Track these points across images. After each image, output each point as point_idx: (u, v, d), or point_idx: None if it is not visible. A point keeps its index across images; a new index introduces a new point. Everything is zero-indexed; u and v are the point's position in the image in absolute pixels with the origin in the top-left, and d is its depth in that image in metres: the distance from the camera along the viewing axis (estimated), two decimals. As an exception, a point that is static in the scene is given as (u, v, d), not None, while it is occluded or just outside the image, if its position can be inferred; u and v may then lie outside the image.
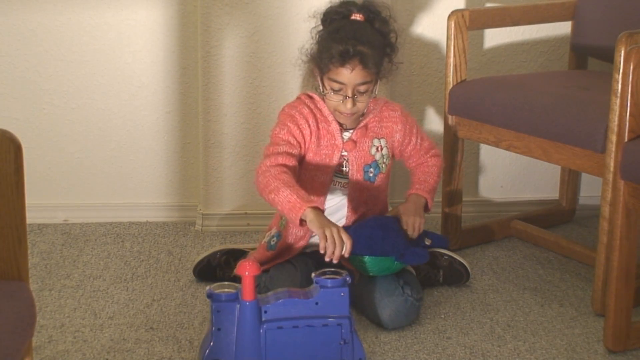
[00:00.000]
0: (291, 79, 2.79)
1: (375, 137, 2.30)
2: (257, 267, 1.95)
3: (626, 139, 2.06)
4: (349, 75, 2.17)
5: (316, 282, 2.01)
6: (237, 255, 2.47)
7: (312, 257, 2.28)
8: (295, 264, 2.27)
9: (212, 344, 1.96)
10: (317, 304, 1.99)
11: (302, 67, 2.29)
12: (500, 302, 2.39)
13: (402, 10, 2.86)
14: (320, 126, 2.27)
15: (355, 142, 2.28)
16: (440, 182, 2.70)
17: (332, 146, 2.27)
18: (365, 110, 2.28)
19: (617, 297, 2.08)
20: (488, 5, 2.93)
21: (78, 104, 2.89)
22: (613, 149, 2.11)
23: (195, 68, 2.85)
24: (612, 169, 2.13)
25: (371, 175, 2.30)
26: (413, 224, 2.24)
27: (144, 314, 2.31)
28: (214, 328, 1.96)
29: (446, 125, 2.65)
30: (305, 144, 2.26)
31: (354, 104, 2.20)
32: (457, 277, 2.46)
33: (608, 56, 2.23)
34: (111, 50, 2.86)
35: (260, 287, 2.23)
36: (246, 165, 2.85)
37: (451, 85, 2.61)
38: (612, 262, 2.09)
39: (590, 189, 2.99)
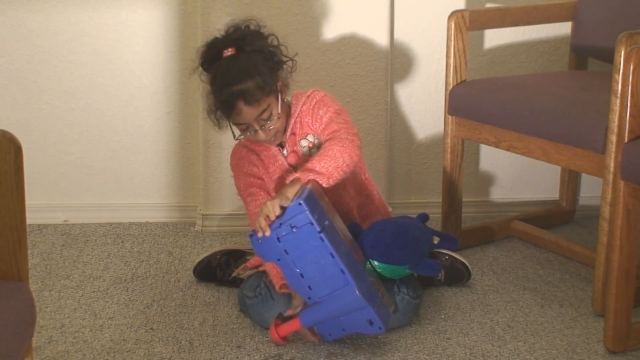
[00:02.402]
0: (291, 79, 2.78)
1: (301, 138, 2.29)
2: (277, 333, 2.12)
3: (626, 140, 2.06)
4: (243, 116, 2.17)
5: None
6: (237, 255, 2.47)
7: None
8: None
9: (351, 330, 2.09)
10: (286, 252, 2.05)
11: (210, 120, 2.27)
12: (500, 303, 2.39)
13: (402, 11, 2.86)
14: (263, 156, 2.31)
15: (294, 151, 2.29)
16: (441, 184, 2.71)
17: (278, 168, 2.29)
18: (287, 121, 2.27)
19: (617, 298, 2.08)
20: (488, 5, 2.93)
21: (78, 105, 2.89)
22: (613, 149, 2.11)
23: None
24: (612, 169, 2.13)
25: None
26: (258, 215, 2.09)
27: (144, 315, 2.31)
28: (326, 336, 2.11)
29: (446, 126, 2.65)
30: (259, 178, 2.31)
31: (265, 132, 2.21)
32: (459, 276, 2.46)
33: (608, 57, 2.23)
34: (111, 51, 2.86)
35: (261, 287, 2.23)
36: (246, 166, 2.85)
37: (451, 86, 2.61)
38: (612, 262, 2.09)
39: (590, 190, 2.99)
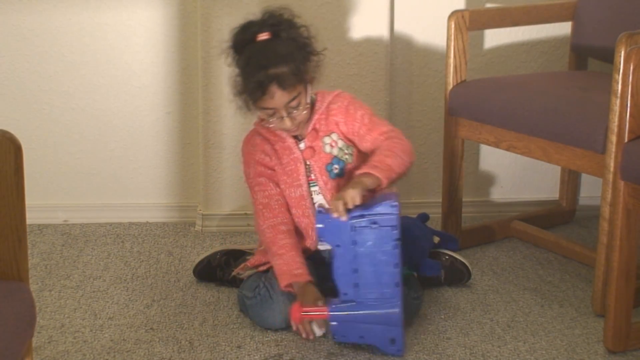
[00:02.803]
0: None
1: (325, 135, 2.28)
2: (299, 309, 2.08)
3: (626, 140, 2.06)
4: (274, 100, 2.16)
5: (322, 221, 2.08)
6: (237, 255, 2.47)
7: (310, 259, 2.28)
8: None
9: (370, 341, 2.09)
10: (331, 243, 2.07)
11: (235, 102, 2.26)
12: (500, 303, 2.39)
13: (402, 11, 2.86)
14: (277, 146, 2.29)
15: (312, 147, 2.27)
16: (441, 184, 2.71)
17: (293, 160, 2.28)
18: (309, 115, 2.26)
19: (617, 298, 2.08)
20: (488, 5, 2.93)
21: (78, 105, 2.89)
22: (613, 149, 2.11)
23: (196, 68, 2.85)
24: (612, 169, 2.13)
25: (336, 171, 2.28)
26: (337, 199, 2.08)
27: (144, 315, 2.31)
28: (357, 339, 2.09)
29: (446, 126, 2.65)
30: (273, 170, 2.29)
31: (291, 120, 2.20)
32: (459, 276, 2.46)
33: (608, 57, 2.23)
34: (111, 51, 2.86)
35: (260, 287, 2.23)
36: (246, 166, 2.85)
37: (451, 86, 2.61)
38: (612, 262, 2.09)
39: (590, 190, 2.99)
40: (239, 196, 2.88)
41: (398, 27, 2.88)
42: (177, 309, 2.34)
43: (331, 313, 2.07)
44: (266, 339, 2.18)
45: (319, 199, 2.29)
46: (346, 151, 2.29)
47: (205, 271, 2.48)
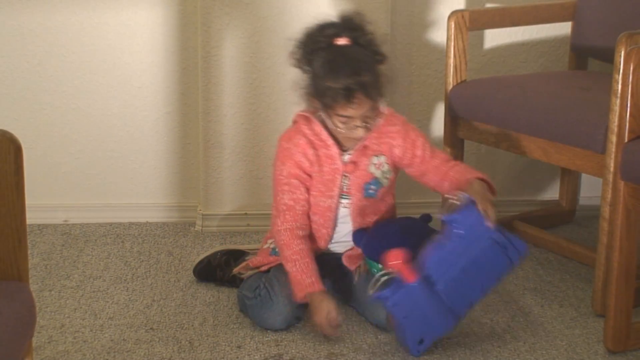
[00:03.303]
0: (291, 79, 2.79)
1: (374, 155, 2.25)
2: (404, 253, 2.05)
3: (626, 140, 2.06)
4: (357, 108, 2.12)
5: (447, 221, 2.09)
6: (237, 255, 2.47)
7: (320, 258, 2.28)
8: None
9: (408, 330, 2.07)
10: (462, 234, 2.08)
11: (299, 98, 2.24)
12: (500, 303, 2.38)
13: (402, 11, 2.86)
14: (320, 152, 2.23)
15: (355, 163, 2.24)
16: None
17: (333, 171, 2.23)
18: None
19: (617, 298, 2.08)
20: (488, 5, 2.93)
21: (78, 105, 2.89)
22: (613, 149, 2.11)
23: (195, 69, 2.85)
24: (612, 169, 2.13)
25: (371, 191, 2.27)
26: (492, 213, 2.13)
27: (144, 315, 2.31)
28: (401, 319, 2.06)
29: (446, 126, 2.65)
30: (308, 175, 2.24)
31: (365, 130, 2.17)
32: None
33: (608, 57, 2.23)
34: (111, 51, 2.86)
35: (260, 288, 2.23)
36: (246, 166, 2.85)
37: (451, 86, 2.61)
38: (612, 262, 2.09)
39: (590, 190, 2.99)
40: (239, 196, 2.88)
41: (398, 27, 2.88)
42: (177, 309, 2.34)
43: (413, 284, 2.05)
44: (266, 339, 2.18)
45: (344, 212, 2.27)
46: (387, 175, 2.28)
47: (205, 271, 2.48)
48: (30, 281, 1.67)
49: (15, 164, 1.52)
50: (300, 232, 2.23)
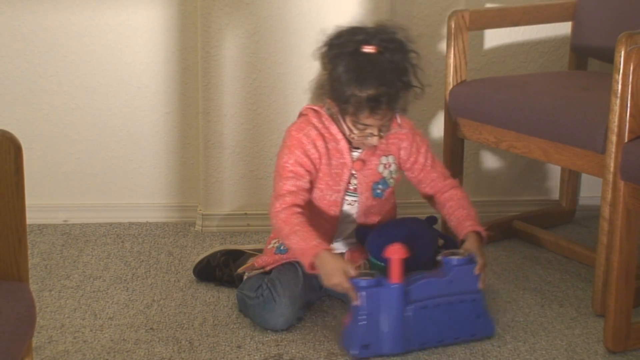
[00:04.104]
0: (291, 80, 2.79)
1: (383, 155, 2.27)
2: (405, 250, 2.04)
3: (626, 140, 2.06)
4: (376, 119, 2.12)
5: (445, 263, 2.10)
6: (237, 255, 2.47)
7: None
8: (297, 265, 2.26)
9: (362, 328, 2.05)
10: (451, 282, 2.09)
11: (314, 97, 2.24)
12: (500, 303, 2.38)
13: (402, 11, 2.86)
14: (330, 146, 2.23)
15: (364, 161, 2.25)
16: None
17: (341, 165, 2.24)
18: None
19: (617, 298, 2.08)
20: (488, 5, 2.93)
21: (78, 105, 2.89)
22: (613, 149, 2.11)
23: (196, 68, 2.85)
24: (612, 169, 2.13)
25: (379, 191, 2.28)
26: (484, 277, 2.16)
27: (144, 315, 2.31)
28: (361, 314, 2.04)
29: (446, 126, 2.65)
30: (315, 167, 2.23)
31: (381, 138, 2.17)
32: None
33: (608, 57, 2.23)
34: (111, 51, 2.86)
35: (263, 288, 2.23)
36: (246, 166, 2.85)
37: (451, 86, 2.61)
38: (612, 262, 2.09)
39: (591, 190, 2.99)
40: (239, 196, 2.88)
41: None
42: (177, 309, 2.34)
43: (393, 285, 2.05)
44: (266, 339, 2.18)
45: (347, 209, 2.28)
46: (394, 175, 2.30)
47: (205, 271, 2.48)
48: (30, 281, 1.67)
49: (15, 164, 1.52)
50: (299, 210, 2.18)
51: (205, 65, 2.78)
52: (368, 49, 2.12)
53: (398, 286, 2.05)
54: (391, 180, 2.30)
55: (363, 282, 2.05)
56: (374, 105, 2.09)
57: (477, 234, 2.22)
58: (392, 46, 2.14)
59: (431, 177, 2.32)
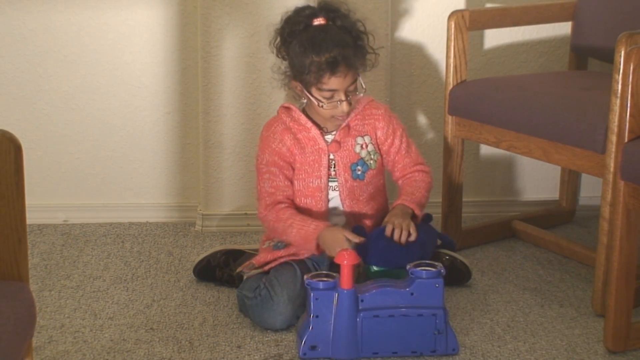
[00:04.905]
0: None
1: (359, 135, 2.32)
2: (356, 257, 2.04)
3: (626, 140, 2.06)
4: (339, 80, 2.20)
5: (411, 273, 2.08)
6: (237, 255, 2.47)
7: (313, 259, 2.28)
8: (294, 265, 2.26)
9: (310, 329, 2.05)
10: (412, 294, 2.07)
11: (279, 85, 2.33)
12: (500, 303, 2.38)
13: (402, 11, 2.86)
14: (300, 136, 2.30)
15: (339, 142, 2.30)
16: (441, 184, 2.71)
17: (317, 151, 2.30)
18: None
19: (617, 298, 2.08)
20: (488, 5, 2.93)
21: (78, 105, 2.89)
22: (613, 149, 2.11)
23: (195, 68, 2.85)
24: (612, 169, 2.13)
25: (359, 172, 2.32)
26: (400, 225, 2.20)
27: (144, 315, 2.31)
28: (312, 315, 2.05)
29: (446, 126, 2.65)
30: (287, 161, 2.30)
31: (348, 104, 2.23)
32: (459, 276, 2.46)
33: (608, 57, 2.23)
34: (111, 51, 2.86)
35: (261, 288, 2.23)
36: (246, 166, 2.85)
37: (451, 86, 2.61)
38: (612, 262, 2.09)
39: (591, 190, 2.99)
40: (239, 196, 2.88)
41: (398, 27, 2.88)
42: (177, 309, 2.34)
43: (343, 290, 2.05)
44: (266, 339, 2.18)
45: (334, 195, 2.31)
46: (372, 157, 2.34)
47: (205, 271, 2.48)
48: (30, 281, 1.67)
49: (15, 163, 1.52)
50: (284, 205, 2.28)
51: (205, 65, 2.78)
52: (318, 21, 2.24)
53: (348, 292, 2.04)
54: (371, 162, 2.33)
55: (318, 283, 2.06)
56: (332, 65, 2.17)
57: (407, 207, 2.26)
58: (339, 15, 2.26)
59: (404, 162, 2.37)
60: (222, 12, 2.74)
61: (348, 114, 2.27)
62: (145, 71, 2.88)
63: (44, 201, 2.93)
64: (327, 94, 2.22)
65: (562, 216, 2.96)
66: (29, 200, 1.57)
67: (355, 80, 2.23)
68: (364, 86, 2.27)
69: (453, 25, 2.56)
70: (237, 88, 2.80)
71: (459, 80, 2.60)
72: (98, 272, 2.57)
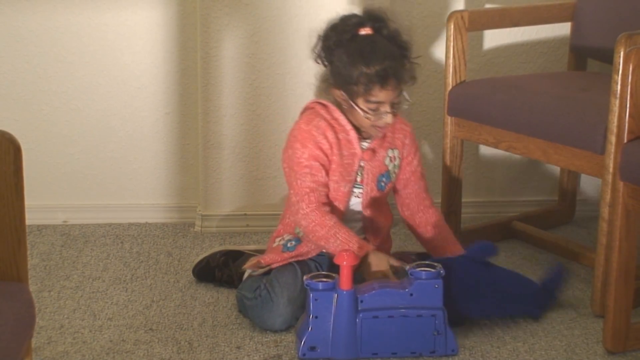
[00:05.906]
0: (290, 80, 2.79)
1: (390, 148, 2.30)
2: (355, 257, 2.05)
3: (625, 140, 2.06)
4: (387, 93, 2.17)
5: (411, 274, 2.08)
6: (236, 256, 2.47)
7: (315, 260, 2.28)
8: (296, 265, 2.26)
9: (310, 329, 2.05)
10: (411, 295, 2.07)
11: (319, 92, 2.30)
12: (499, 303, 2.39)
13: (401, 11, 2.86)
14: (340, 136, 2.25)
15: (374, 151, 2.28)
16: (441, 185, 2.71)
17: (352, 155, 2.26)
18: None
19: (616, 298, 2.08)
20: (487, 6, 2.93)
21: (77, 105, 2.89)
22: (612, 150, 2.11)
23: (195, 69, 2.85)
24: (611, 170, 2.13)
25: (383, 184, 2.30)
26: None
27: (143, 315, 2.31)
28: (311, 316, 2.05)
29: (446, 126, 2.65)
30: (328, 159, 2.24)
31: (394, 116, 2.22)
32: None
33: (607, 57, 2.23)
34: (111, 52, 2.86)
35: (261, 288, 2.23)
36: (246, 167, 2.85)
37: (450, 86, 2.61)
38: (612, 263, 2.09)
39: (590, 190, 2.99)
40: (238, 197, 2.88)
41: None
42: (177, 309, 2.34)
43: (342, 291, 2.05)
44: (265, 339, 2.18)
45: (355, 202, 2.30)
46: (396, 170, 2.33)
47: (204, 271, 2.48)
48: (30, 282, 1.67)
49: (15, 164, 1.52)
50: (328, 209, 2.23)
51: (205, 65, 2.78)
52: (364, 31, 2.21)
53: (348, 293, 2.04)
54: (393, 175, 2.32)
55: (317, 284, 2.06)
56: (383, 78, 2.15)
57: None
58: (384, 25, 2.23)
59: (419, 185, 2.36)
60: (222, 13, 2.74)
61: (392, 121, 2.24)
62: (145, 72, 2.88)
63: (44, 202, 2.93)
64: (374, 106, 2.18)
65: (561, 217, 2.96)
66: (28, 201, 1.57)
67: (401, 93, 2.21)
68: (408, 99, 2.24)
69: (452, 26, 2.56)
70: (236, 89, 2.80)
71: (458, 81, 2.60)
72: (97, 272, 2.57)
